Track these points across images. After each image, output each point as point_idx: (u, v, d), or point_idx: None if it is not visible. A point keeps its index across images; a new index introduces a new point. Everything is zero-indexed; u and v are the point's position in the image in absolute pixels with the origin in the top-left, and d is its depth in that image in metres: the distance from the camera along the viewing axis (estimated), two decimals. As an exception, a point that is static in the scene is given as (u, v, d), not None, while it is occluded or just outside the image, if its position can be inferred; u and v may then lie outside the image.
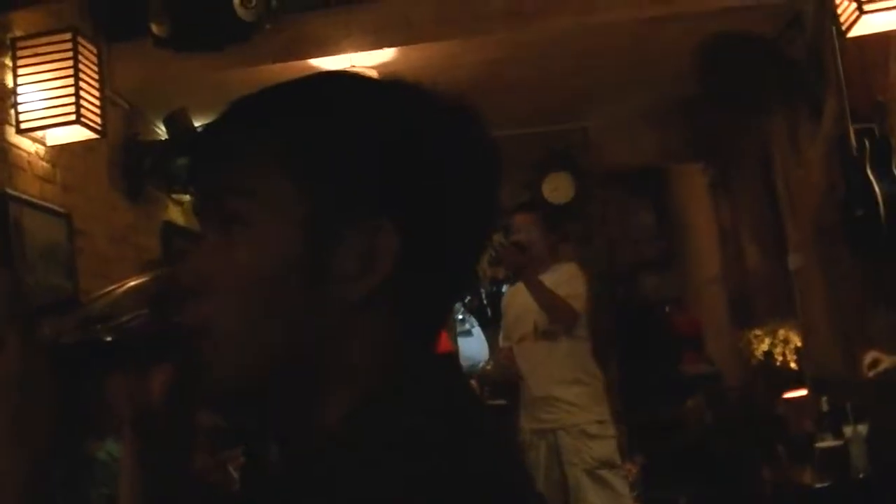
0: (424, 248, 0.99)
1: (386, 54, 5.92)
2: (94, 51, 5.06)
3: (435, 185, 1.00)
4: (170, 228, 6.64)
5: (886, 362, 4.09)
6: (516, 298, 5.55)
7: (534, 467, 5.27)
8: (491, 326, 8.82)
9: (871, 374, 4.09)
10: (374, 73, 6.01)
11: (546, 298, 5.25)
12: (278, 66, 5.68)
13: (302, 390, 1.00)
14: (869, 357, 4.14)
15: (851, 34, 4.88)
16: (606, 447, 5.31)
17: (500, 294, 8.66)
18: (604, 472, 5.26)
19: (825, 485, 4.61)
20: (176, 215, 6.80)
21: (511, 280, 8.39)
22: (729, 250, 8.63)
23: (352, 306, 0.97)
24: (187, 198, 6.77)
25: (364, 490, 0.86)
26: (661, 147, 8.34)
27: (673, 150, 8.44)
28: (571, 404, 5.30)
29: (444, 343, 8.26)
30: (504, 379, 6.14)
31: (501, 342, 5.83)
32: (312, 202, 0.97)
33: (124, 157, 6.09)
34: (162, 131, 6.43)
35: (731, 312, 8.54)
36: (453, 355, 1.11)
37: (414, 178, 0.99)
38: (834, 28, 5.08)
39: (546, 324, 5.34)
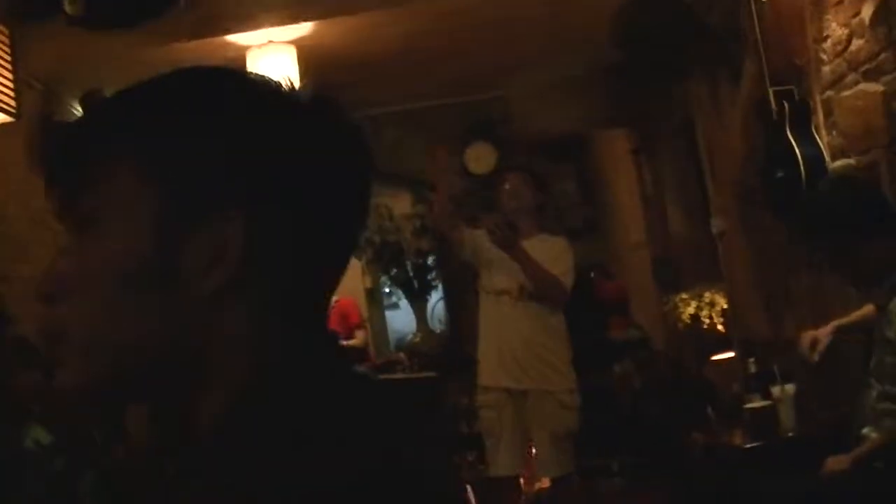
0: (275, 236, 0.99)
1: (303, 28, 5.86)
2: (6, 32, 4.97)
3: (283, 173, 1.00)
4: (90, 210, 6.54)
5: (824, 340, 4.11)
6: (490, 246, 5.39)
7: (494, 426, 5.32)
8: (418, 299, 8.82)
9: (815, 357, 4.11)
10: (292, 48, 5.96)
11: (540, 278, 5.27)
12: (195, 43, 5.61)
13: (168, 392, 1.00)
14: (807, 339, 4.15)
15: (768, -4, 4.91)
16: (574, 419, 5.36)
17: (426, 266, 8.66)
18: (566, 444, 5.33)
19: (755, 444, 4.67)
20: (95, 196, 6.70)
21: (438, 250, 8.40)
22: (652, 215, 8.69)
23: (206, 302, 0.97)
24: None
25: (243, 494, 0.87)
26: (583, 114, 8.36)
27: (594, 117, 8.47)
28: (550, 371, 5.33)
29: (354, 317, 8.27)
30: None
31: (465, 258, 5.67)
32: (159, 199, 0.97)
33: (41, 138, 5.98)
34: (79, 111, 6.32)
35: (657, 277, 8.61)
36: (333, 336, 1.10)
37: (258, 168, 0.99)
38: (751, -9, 5.12)
39: (533, 287, 5.32)
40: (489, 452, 5.45)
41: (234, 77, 1.05)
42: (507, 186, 5.61)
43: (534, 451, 5.53)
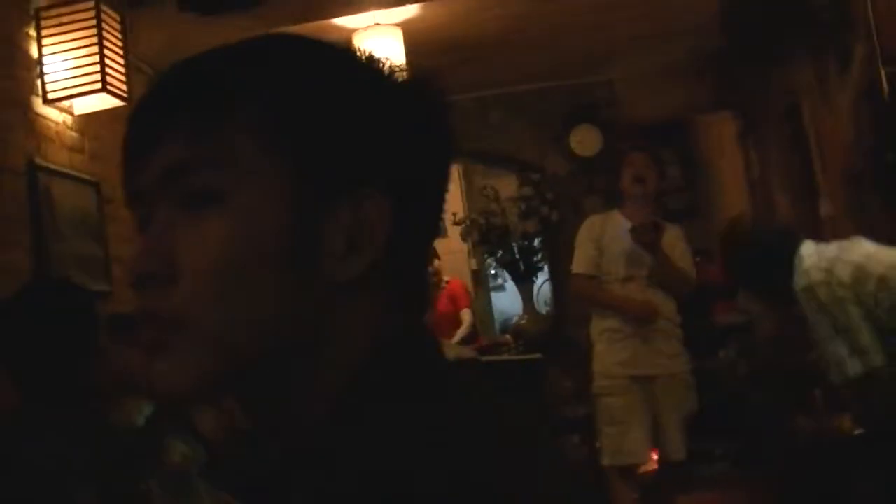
0: (413, 216, 0.95)
1: (409, 10, 5.89)
2: (118, 18, 5.06)
3: (414, 150, 0.96)
4: (198, 193, 6.64)
5: None
6: (616, 232, 5.30)
7: (620, 413, 5.21)
8: (524, 281, 8.81)
9: None
10: (398, 30, 5.99)
11: (675, 275, 5.24)
12: (302, 26, 5.67)
13: (286, 377, 0.93)
14: None
15: (879, -23, 4.83)
16: (695, 400, 5.32)
17: (531, 248, 8.64)
18: (686, 424, 5.28)
19: (863, 431, 4.59)
20: (204, 180, 6.80)
21: (543, 232, 8.36)
22: (758, 200, 8.57)
23: (341, 285, 0.92)
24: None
25: (361, 476, 0.82)
26: (688, 99, 8.27)
27: (699, 101, 8.38)
28: (676, 354, 5.28)
29: (463, 298, 8.29)
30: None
31: (582, 270, 5.46)
32: (297, 175, 0.91)
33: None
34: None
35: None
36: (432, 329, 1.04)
37: (396, 143, 0.95)
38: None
39: (665, 282, 5.28)
40: (611, 440, 5.28)
41: (340, 46, 1.00)
42: (631, 170, 5.38)
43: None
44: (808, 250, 4.07)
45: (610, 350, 5.29)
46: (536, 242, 8.70)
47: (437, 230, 1.03)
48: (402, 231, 0.94)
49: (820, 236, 6.75)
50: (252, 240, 0.90)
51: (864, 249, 4.01)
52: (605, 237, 5.37)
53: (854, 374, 3.88)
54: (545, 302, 9.73)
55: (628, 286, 5.28)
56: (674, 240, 5.33)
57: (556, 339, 7.70)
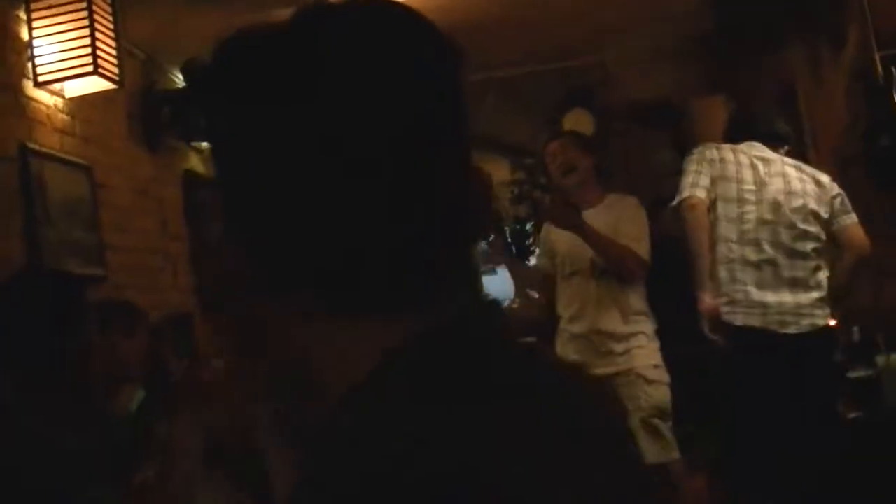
0: None
1: (403, -6, 5.86)
2: (108, 0, 5.02)
3: None
4: (191, 178, 6.62)
5: None
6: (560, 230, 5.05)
7: None
8: (517, 266, 8.81)
9: None
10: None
11: (612, 254, 4.86)
12: (294, 10, 5.62)
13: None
14: None
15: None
16: (663, 393, 4.91)
17: (524, 232, 8.64)
18: (656, 422, 4.83)
19: (857, 415, 4.60)
20: (196, 164, 6.78)
21: (535, 216, 8.35)
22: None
23: None
24: (207, 146, 6.76)
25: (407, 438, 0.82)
26: (680, 82, 8.27)
27: (692, 84, 8.37)
28: (629, 348, 4.92)
29: None
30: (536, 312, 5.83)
31: (540, 266, 5.43)
32: None
33: (143, 107, 6.07)
34: (179, 80, 6.40)
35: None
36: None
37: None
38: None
39: (605, 263, 4.95)
40: None
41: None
42: (555, 162, 5.19)
43: None
44: None
45: (563, 352, 5.01)
46: (529, 226, 8.70)
47: None
48: None
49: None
50: None
51: None
52: (552, 236, 5.20)
53: None
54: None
55: (572, 281, 5.09)
56: (623, 213, 5.03)
57: (550, 323, 7.70)
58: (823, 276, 4.70)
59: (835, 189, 4.81)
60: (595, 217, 4.97)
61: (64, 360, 2.92)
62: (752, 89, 7.95)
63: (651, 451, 4.62)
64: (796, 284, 4.62)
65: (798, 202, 4.69)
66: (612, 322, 4.97)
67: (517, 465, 0.82)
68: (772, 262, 4.64)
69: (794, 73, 6.79)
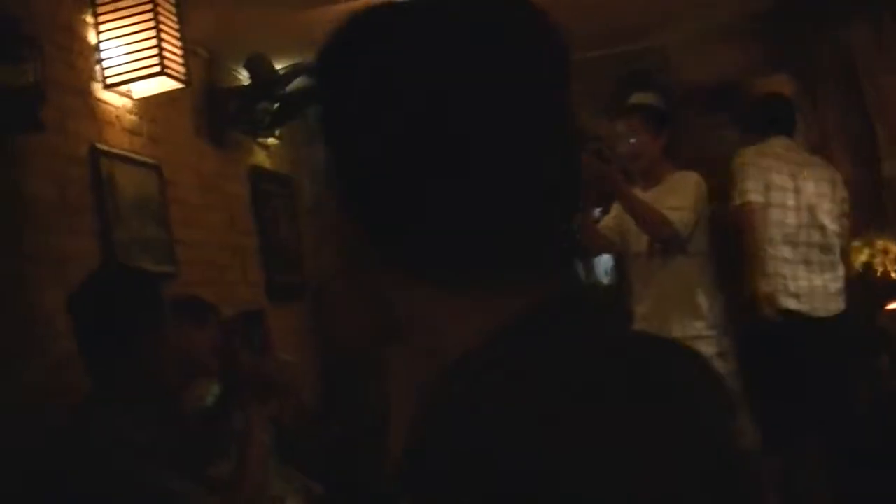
0: None
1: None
2: (172, 0, 5.09)
3: None
4: (257, 173, 6.69)
5: None
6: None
7: None
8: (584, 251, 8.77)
9: None
10: None
11: (636, 211, 4.81)
12: (356, 2, 5.64)
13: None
14: None
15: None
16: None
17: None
18: None
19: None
20: (262, 159, 6.85)
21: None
22: (817, 162, 8.49)
23: None
24: (273, 141, 6.82)
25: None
26: (741, 62, 8.21)
27: (753, 64, 8.31)
28: (689, 336, 4.70)
29: None
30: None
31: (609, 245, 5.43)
32: None
33: (208, 105, 6.14)
34: (243, 77, 6.46)
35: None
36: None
37: None
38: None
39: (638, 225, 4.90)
40: None
41: None
42: (615, 138, 5.21)
43: None
44: None
45: None
46: (597, 212, 8.66)
47: None
48: None
49: (882, 199, 6.70)
50: None
51: None
52: (621, 214, 5.13)
53: None
54: (606, 272, 9.69)
55: (637, 261, 5.09)
56: (673, 186, 4.99)
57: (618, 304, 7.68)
58: (842, 267, 5.54)
59: (842, 191, 5.64)
60: (654, 193, 4.96)
61: (143, 356, 2.98)
62: (815, 66, 7.88)
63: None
64: (824, 274, 5.40)
65: (826, 205, 5.49)
66: (673, 305, 4.89)
67: (623, 447, 0.84)
68: (805, 260, 5.37)
69: (858, 48, 6.71)
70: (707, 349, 4.67)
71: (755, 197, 5.30)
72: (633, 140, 5.12)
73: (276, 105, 6.27)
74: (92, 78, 4.83)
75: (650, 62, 8.33)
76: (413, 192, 0.91)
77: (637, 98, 5.41)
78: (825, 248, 5.43)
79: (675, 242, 4.87)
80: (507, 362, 0.87)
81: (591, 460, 0.80)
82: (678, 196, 4.89)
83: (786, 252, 5.32)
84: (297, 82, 6.21)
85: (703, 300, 4.94)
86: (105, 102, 4.90)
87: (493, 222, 0.90)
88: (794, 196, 5.42)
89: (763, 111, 6.00)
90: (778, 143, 5.62)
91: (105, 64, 4.88)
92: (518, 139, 0.91)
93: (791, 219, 5.37)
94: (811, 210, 5.42)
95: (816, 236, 5.42)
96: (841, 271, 5.50)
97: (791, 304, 5.26)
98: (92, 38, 4.87)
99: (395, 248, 0.94)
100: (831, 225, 5.48)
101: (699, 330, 4.85)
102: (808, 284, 5.32)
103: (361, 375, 5.27)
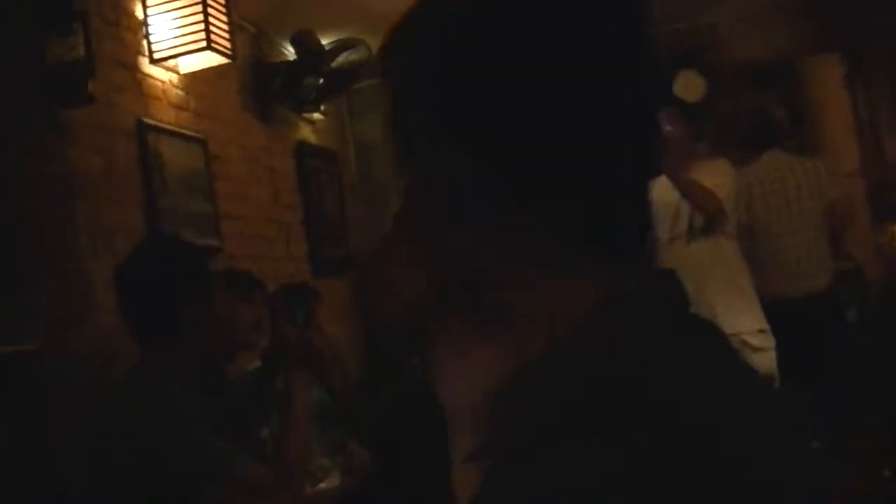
0: None
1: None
2: (220, -25, 5.10)
3: None
4: (302, 148, 6.71)
5: None
6: (661, 195, 4.94)
7: None
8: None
9: None
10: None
11: (689, 187, 4.85)
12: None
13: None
14: None
15: None
16: (769, 361, 4.78)
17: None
18: None
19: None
20: (308, 134, 6.86)
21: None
22: (867, 143, 8.41)
23: None
24: (318, 116, 6.83)
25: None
26: (792, 40, 8.13)
27: (804, 43, 8.23)
28: (734, 312, 4.73)
29: None
30: None
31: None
32: None
33: (254, 80, 6.16)
34: (289, 52, 6.48)
35: (871, 206, 8.35)
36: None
37: None
38: None
39: (701, 220, 4.94)
40: None
41: None
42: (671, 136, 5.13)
43: None
44: None
45: None
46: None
47: None
48: None
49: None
50: None
51: None
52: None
53: None
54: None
55: (673, 245, 5.04)
56: (711, 169, 5.07)
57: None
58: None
59: (823, 171, 5.94)
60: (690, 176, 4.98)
61: (189, 329, 3.00)
62: (865, 47, 7.80)
63: None
64: (809, 261, 5.74)
65: (811, 200, 5.79)
66: (715, 285, 4.82)
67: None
68: (795, 260, 5.71)
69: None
70: (753, 325, 4.84)
71: (742, 217, 5.53)
72: (669, 128, 5.09)
73: (322, 80, 6.28)
74: (139, 52, 4.87)
75: (702, 39, 8.27)
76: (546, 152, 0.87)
77: (678, 85, 5.43)
78: (810, 231, 5.78)
79: (721, 219, 4.94)
80: (596, 350, 0.83)
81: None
82: (713, 177, 4.98)
83: (774, 251, 5.72)
84: (343, 57, 6.22)
85: (744, 278, 5.03)
86: (152, 77, 4.93)
87: (603, 191, 0.88)
88: (783, 199, 5.78)
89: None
90: (771, 156, 5.99)
91: (152, 39, 4.91)
92: (619, 106, 0.89)
93: (784, 226, 5.74)
94: (801, 212, 5.75)
95: (802, 231, 5.76)
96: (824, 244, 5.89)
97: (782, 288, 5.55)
98: (139, 12, 4.90)
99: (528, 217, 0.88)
100: (815, 205, 5.80)
101: (743, 308, 4.88)
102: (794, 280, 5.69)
103: (408, 351, 5.29)
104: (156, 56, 4.91)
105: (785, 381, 4.69)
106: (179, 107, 5.16)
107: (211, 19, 4.90)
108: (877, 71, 7.95)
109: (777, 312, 5.00)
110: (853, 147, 8.77)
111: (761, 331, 4.88)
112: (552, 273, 0.88)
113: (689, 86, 8.25)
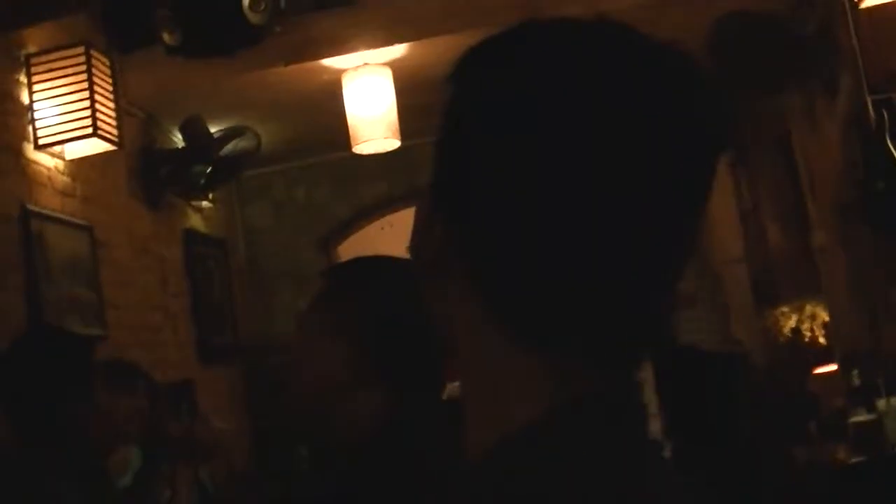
0: None
1: (398, 50, 5.90)
2: (108, 63, 5.07)
3: None
4: (191, 235, 6.66)
5: None
6: None
7: None
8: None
9: None
10: (387, 70, 6.00)
11: None
12: (291, 68, 5.69)
13: None
14: None
15: (864, 5, 4.85)
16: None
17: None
18: None
19: (860, 459, 4.59)
20: (196, 222, 6.81)
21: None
22: (750, 230, 8.58)
23: None
24: (206, 204, 6.79)
25: None
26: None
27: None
28: None
29: None
30: None
31: None
32: None
33: (142, 166, 6.11)
34: (178, 139, 6.45)
35: (755, 292, 8.50)
36: None
37: None
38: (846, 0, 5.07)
39: None
40: None
41: None
42: None
43: None
44: None
45: None
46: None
47: None
48: None
49: (813, 267, 6.78)
50: None
51: None
52: None
53: None
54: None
55: None
56: None
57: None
58: None
59: None
60: None
61: (70, 421, 2.94)
62: (749, 134, 7.98)
63: None
64: None
65: None
66: None
67: None
68: None
69: (790, 119, 6.82)
70: None
71: None
72: None
73: (211, 168, 6.25)
74: (24, 138, 4.80)
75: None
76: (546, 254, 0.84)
77: None
78: None
79: None
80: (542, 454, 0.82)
81: None
82: None
83: None
84: (232, 145, 6.21)
85: None
86: (36, 163, 4.86)
87: (616, 294, 0.85)
88: None
89: None
90: None
91: (37, 124, 4.85)
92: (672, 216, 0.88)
93: None
94: None
95: None
96: None
97: None
98: (24, 97, 4.84)
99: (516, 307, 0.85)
100: None
101: None
102: None
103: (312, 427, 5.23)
104: (41, 142, 4.85)
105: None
106: (65, 193, 5.09)
107: (98, 105, 4.86)
108: (757, 159, 8.14)
109: None
110: (737, 233, 8.94)
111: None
112: (515, 371, 0.86)
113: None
